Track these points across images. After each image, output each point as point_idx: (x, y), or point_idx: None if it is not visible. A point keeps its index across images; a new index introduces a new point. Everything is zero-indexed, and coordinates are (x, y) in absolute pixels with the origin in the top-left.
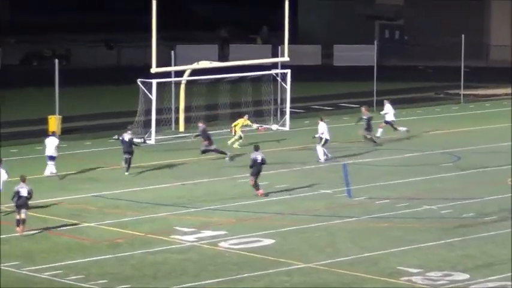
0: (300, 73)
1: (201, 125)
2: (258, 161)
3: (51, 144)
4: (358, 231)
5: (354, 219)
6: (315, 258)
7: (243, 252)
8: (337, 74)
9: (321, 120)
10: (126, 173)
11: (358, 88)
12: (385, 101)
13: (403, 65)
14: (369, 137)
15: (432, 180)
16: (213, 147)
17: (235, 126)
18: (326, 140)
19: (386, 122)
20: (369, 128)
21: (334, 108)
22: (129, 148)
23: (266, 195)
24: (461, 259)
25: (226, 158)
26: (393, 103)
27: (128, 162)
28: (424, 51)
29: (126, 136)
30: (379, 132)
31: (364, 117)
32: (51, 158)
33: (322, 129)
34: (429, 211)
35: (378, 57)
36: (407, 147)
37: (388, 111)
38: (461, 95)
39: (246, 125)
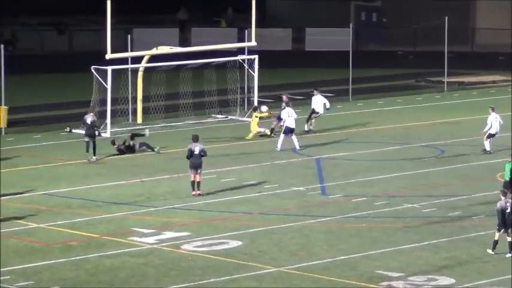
0: (269, 59)
1: (116, 144)
2: (196, 152)
3: None
4: (333, 232)
5: (329, 218)
6: (286, 261)
7: (208, 256)
8: (309, 60)
9: (287, 106)
10: (94, 158)
11: (332, 75)
12: (315, 91)
13: (381, 50)
14: (272, 127)
15: (414, 176)
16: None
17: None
18: (287, 129)
19: (314, 113)
20: (280, 117)
21: (306, 98)
22: (90, 130)
23: (201, 194)
24: (447, 262)
25: (156, 150)
26: (372, 91)
27: (93, 147)
28: (404, 35)
29: (88, 118)
30: (308, 125)
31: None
32: None
33: (285, 115)
34: (411, 210)
35: (354, 42)
36: (386, 140)
37: (315, 101)
38: (445, 83)
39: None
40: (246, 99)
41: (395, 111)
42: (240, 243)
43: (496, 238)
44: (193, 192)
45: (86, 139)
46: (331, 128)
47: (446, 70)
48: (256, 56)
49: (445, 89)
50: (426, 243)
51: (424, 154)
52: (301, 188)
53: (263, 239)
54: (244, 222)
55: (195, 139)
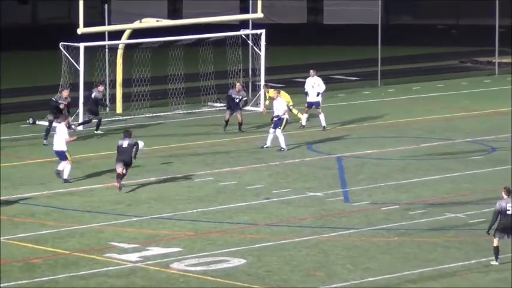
0: (279, 34)
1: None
2: (124, 146)
3: None
4: (358, 248)
5: (353, 231)
6: (300, 283)
7: (203, 277)
8: (328, 35)
9: (278, 93)
10: (97, 132)
11: (356, 55)
12: (311, 71)
13: (416, 24)
14: (239, 115)
15: (457, 179)
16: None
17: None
18: (287, 121)
19: (310, 105)
20: (235, 106)
21: (325, 82)
22: (92, 107)
23: (120, 188)
24: (498, 284)
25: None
26: (405, 74)
27: (97, 123)
28: (445, 5)
29: (93, 92)
30: (303, 119)
31: (235, 95)
32: None
33: (285, 106)
34: (454, 220)
35: (383, 14)
36: (423, 134)
37: (311, 86)
38: (496, 64)
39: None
40: (250, 84)
41: (434, 99)
42: (243, 261)
43: (496, 244)
44: (116, 182)
45: (90, 116)
46: (355, 119)
47: (497, 48)
48: (263, 31)
49: (496, 72)
50: (473, 261)
51: (471, 152)
52: (319, 194)
53: (271, 256)
54: (249, 235)
55: (128, 135)
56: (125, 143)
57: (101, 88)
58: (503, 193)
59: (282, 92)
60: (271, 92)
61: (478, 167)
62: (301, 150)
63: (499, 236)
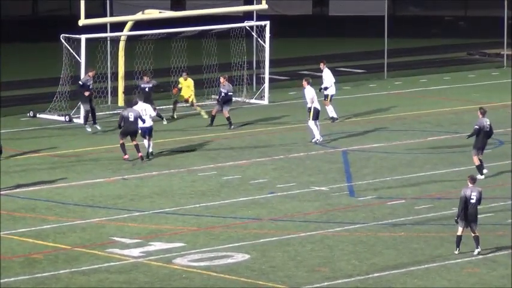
0: (284, 26)
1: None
2: (130, 119)
3: None
4: (364, 243)
5: (359, 226)
6: (305, 279)
7: (206, 272)
8: (333, 27)
9: (307, 83)
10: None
11: (362, 47)
12: (321, 64)
13: (424, 15)
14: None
15: (465, 173)
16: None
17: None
18: (315, 111)
19: (327, 97)
20: (226, 102)
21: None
22: (145, 97)
23: (142, 159)
24: (506, 281)
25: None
26: (412, 67)
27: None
28: None
29: (143, 84)
30: (330, 112)
31: (224, 90)
32: None
33: (310, 95)
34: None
35: (390, 5)
36: (430, 127)
37: (325, 78)
38: (504, 56)
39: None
40: (254, 77)
41: (441, 92)
42: (247, 256)
43: (459, 233)
44: (125, 156)
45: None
46: (361, 112)
47: (505, 40)
48: (267, 23)
49: (505, 64)
50: (480, 257)
51: None
52: (324, 188)
53: (276, 251)
54: (252, 230)
55: (133, 103)
56: (131, 116)
57: (146, 79)
58: (468, 181)
59: (188, 80)
60: (182, 81)
61: (485, 161)
62: (306, 144)
63: (462, 224)
